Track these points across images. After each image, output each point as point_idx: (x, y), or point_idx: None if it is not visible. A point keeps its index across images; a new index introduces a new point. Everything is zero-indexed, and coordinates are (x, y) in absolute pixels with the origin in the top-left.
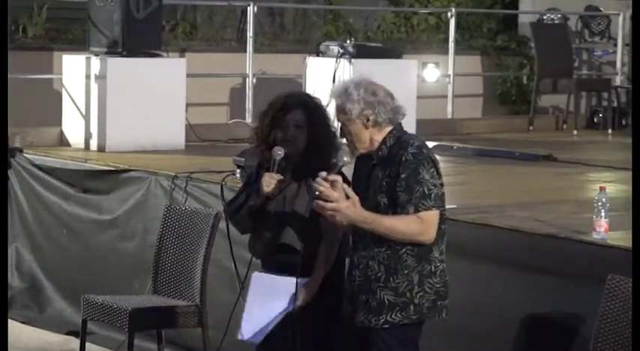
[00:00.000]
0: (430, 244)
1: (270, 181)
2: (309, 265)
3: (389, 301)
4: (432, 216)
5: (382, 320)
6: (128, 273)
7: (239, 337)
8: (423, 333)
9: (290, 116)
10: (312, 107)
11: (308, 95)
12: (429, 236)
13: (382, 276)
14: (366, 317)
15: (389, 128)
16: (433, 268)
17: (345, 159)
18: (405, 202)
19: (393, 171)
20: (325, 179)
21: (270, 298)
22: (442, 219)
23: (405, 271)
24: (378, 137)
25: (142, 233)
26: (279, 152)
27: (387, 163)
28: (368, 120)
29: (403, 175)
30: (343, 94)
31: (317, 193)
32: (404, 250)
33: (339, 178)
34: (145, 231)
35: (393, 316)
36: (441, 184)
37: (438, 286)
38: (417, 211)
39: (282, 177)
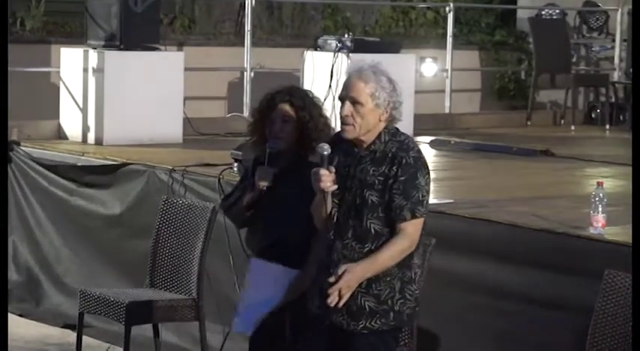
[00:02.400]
0: (412, 250)
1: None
2: (302, 257)
3: (369, 308)
4: (420, 223)
5: (361, 326)
6: (136, 270)
7: (234, 329)
8: (423, 326)
9: (276, 112)
10: (299, 101)
11: (296, 89)
12: (415, 244)
13: (364, 282)
14: (344, 319)
15: (385, 124)
16: (413, 274)
17: (325, 147)
18: (401, 207)
19: (391, 170)
20: (327, 174)
21: (266, 287)
22: (423, 226)
23: (388, 278)
24: (377, 130)
25: (145, 228)
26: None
27: (382, 160)
28: (387, 112)
29: (402, 178)
30: (373, 78)
31: (332, 189)
32: None
33: (333, 170)
34: (149, 226)
35: (372, 323)
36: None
37: (417, 293)
38: (413, 216)
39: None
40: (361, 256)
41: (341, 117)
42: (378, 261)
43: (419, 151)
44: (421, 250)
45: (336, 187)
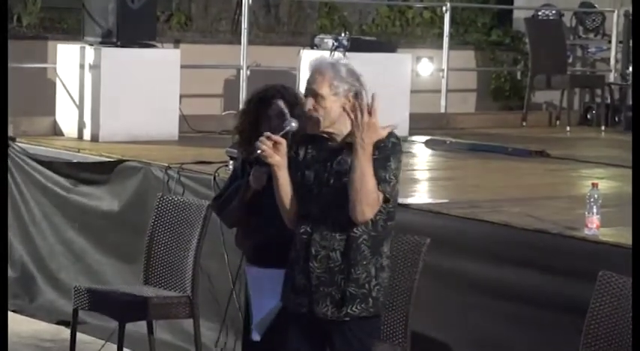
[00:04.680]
0: (382, 237)
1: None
2: None
3: (350, 294)
4: (380, 200)
5: (343, 312)
6: (131, 267)
7: (253, 337)
8: (417, 325)
9: (272, 109)
10: (292, 97)
11: (282, 86)
12: (369, 214)
13: (344, 268)
14: (329, 309)
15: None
16: (383, 262)
17: (293, 124)
18: None
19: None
20: (269, 138)
21: (268, 292)
22: (392, 217)
23: (364, 262)
24: (344, 121)
25: (141, 225)
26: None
27: None
28: (349, 101)
29: (374, 157)
30: (331, 69)
31: (258, 151)
32: (361, 239)
33: (282, 141)
34: (144, 223)
35: (353, 309)
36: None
37: (387, 281)
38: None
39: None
40: (340, 243)
41: (305, 112)
42: (369, 166)
43: (398, 139)
44: (389, 243)
45: (276, 157)
